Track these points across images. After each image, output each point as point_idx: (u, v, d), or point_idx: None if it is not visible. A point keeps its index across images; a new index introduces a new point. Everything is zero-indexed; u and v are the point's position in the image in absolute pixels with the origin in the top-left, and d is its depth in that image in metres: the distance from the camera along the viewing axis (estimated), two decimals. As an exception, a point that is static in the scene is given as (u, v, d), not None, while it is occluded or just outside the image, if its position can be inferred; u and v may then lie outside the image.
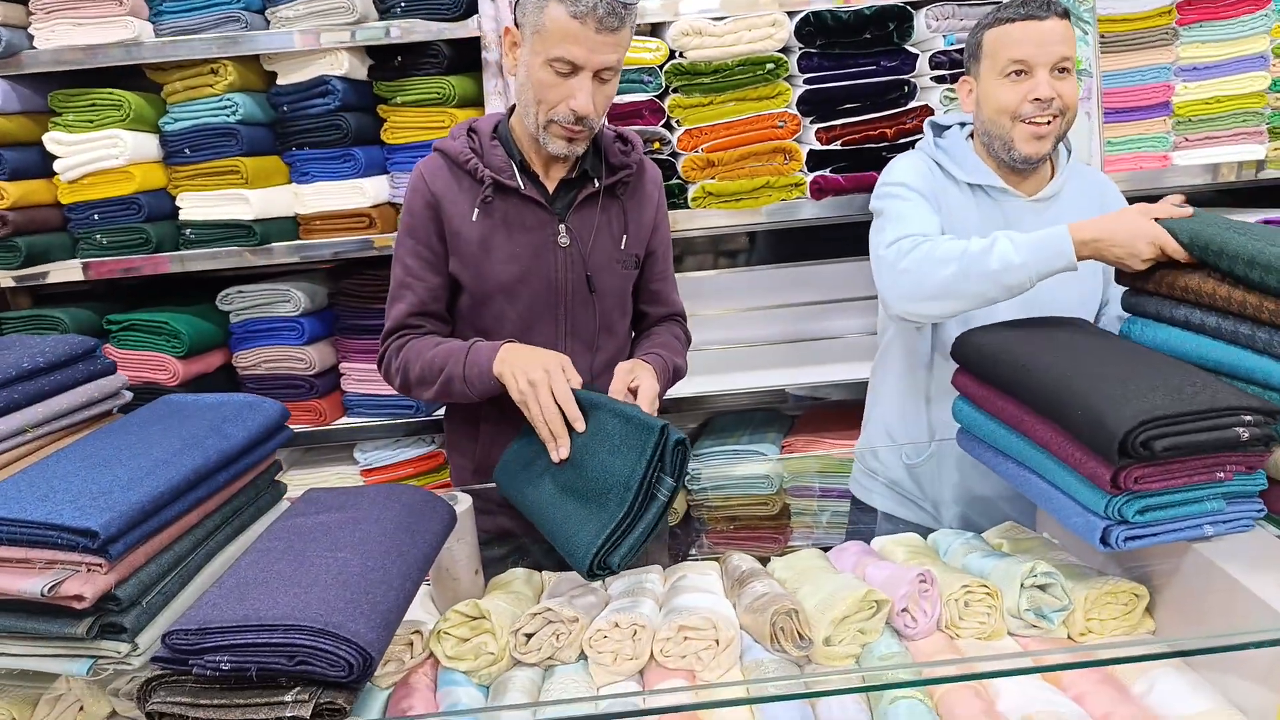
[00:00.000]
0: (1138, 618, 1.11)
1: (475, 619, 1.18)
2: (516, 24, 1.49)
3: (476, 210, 1.54)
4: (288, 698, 0.83)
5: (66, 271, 2.36)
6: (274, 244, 2.32)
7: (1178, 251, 1.27)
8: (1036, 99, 1.58)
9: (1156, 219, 1.32)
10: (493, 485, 1.48)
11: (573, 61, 1.41)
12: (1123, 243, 1.33)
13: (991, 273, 1.42)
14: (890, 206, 1.67)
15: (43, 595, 0.92)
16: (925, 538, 1.44)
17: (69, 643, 0.97)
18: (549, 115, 1.46)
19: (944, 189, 1.70)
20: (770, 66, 2.17)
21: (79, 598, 0.93)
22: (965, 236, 1.53)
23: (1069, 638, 1.12)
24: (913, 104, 2.20)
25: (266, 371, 2.47)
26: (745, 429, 2.63)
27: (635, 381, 1.43)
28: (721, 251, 2.78)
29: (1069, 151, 1.75)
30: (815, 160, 2.21)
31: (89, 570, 0.95)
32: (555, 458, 1.30)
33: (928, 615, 1.14)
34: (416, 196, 1.59)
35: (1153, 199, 1.45)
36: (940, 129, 1.81)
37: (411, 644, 1.18)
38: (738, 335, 2.58)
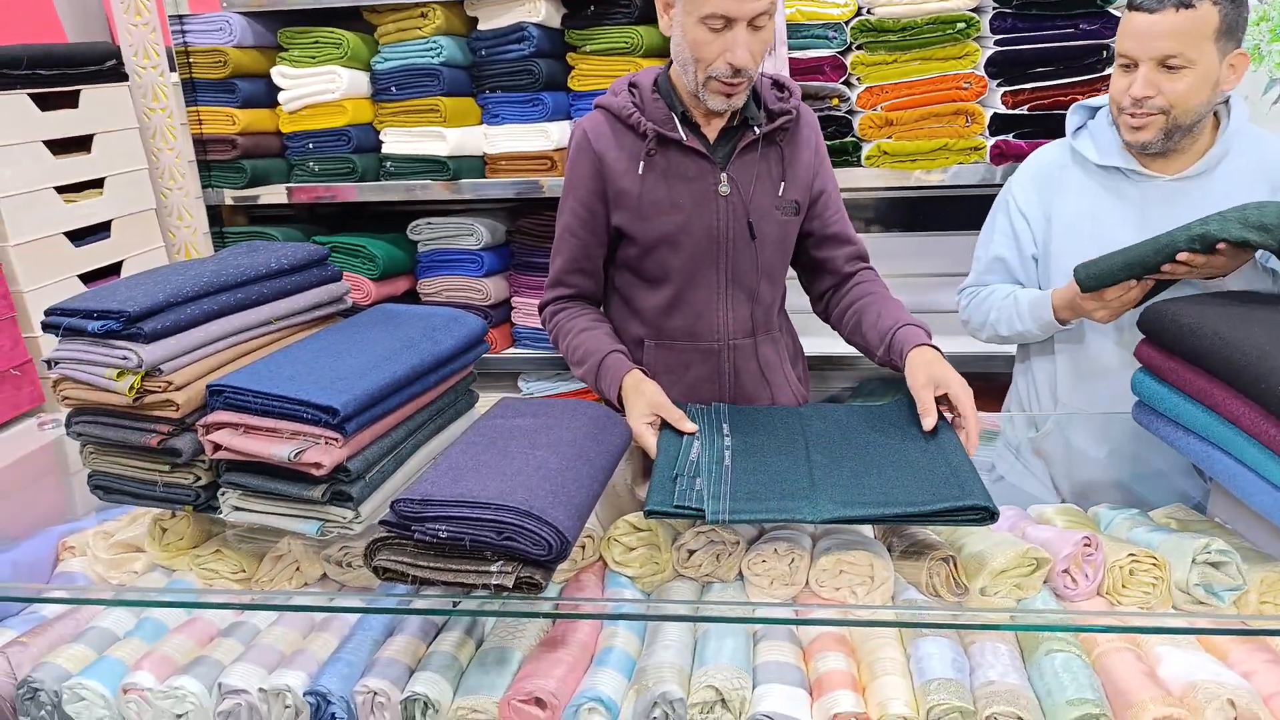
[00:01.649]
0: (1317, 606, 1.07)
1: (642, 530, 1.26)
2: None
3: (641, 164, 1.57)
4: (493, 568, 0.93)
5: (273, 194, 2.59)
6: (463, 180, 2.46)
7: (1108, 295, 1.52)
8: (1131, 96, 1.55)
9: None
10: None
11: (725, 15, 1.41)
12: (1075, 305, 1.60)
13: (1016, 333, 1.77)
14: (986, 226, 1.84)
15: (289, 460, 1.06)
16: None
17: (305, 504, 1.11)
18: (707, 72, 1.46)
19: (1065, 180, 1.72)
20: (961, 26, 2.11)
21: (318, 465, 1.06)
22: (1092, 221, 1.66)
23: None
24: (1109, 70, 2.09)
25: (447, 299, 2.63)
26: (893, 393, 2.62)
27: (943, 389, 1.33)
28: (860, 217, 2.74)
29: (1228, 118, 1.63)
30: (998, 124, 2.15)
31: (327, 443, 1.07)
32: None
33: (1089, 579, 1.13)
34: (580, 156, 1.62)
35: None
36: (1092, 111, 1.76)
37: (584, 546, 1.27)
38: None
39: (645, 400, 1.39)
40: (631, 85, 1.63)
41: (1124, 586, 1.13)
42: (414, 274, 2.68)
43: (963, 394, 1.32)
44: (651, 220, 1.60)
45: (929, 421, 1.29)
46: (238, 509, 1.14)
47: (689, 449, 1.27)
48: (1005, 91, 2.14)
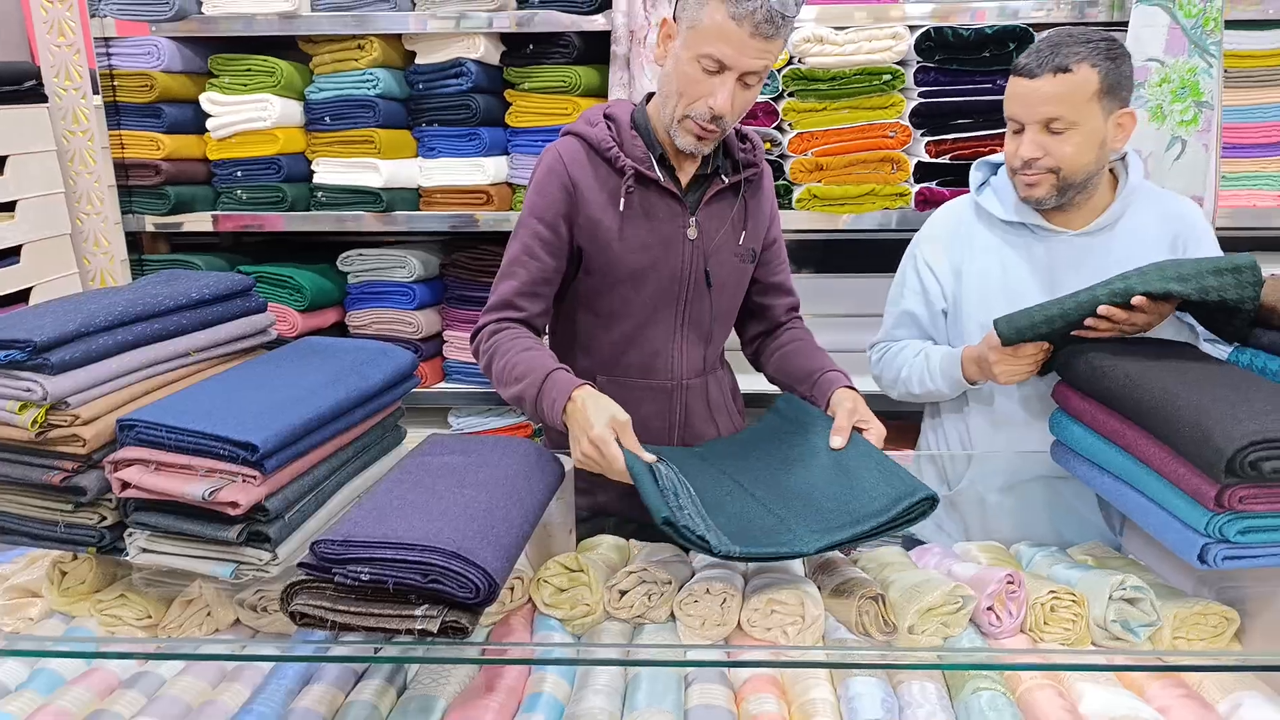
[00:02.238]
0: (1225, 642, 1.10)
1: (574, 571, 1.23)
2: (675, 17, 1.51)
3: (622, 201, 1.56)
4: (418, 612, 0.89)
5: (198, 222, 2.51)
6: (396, 212, 2.42)
7: (1025, 350, 1.50)
8: (1021, 158, 1.57)
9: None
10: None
11: (721, 60, 1.42)
12: (985, 366, 1.57)
13: (928, 391, 1.73)
14: (896, 281, 1.83)
15: (204, 499, 1.00)
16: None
17: (218, 546, 1.06)
18: (686, 110, 1.47)
19: (972, 235, 1.73)
20: (887, 78, 2.18)
21: (234, 504, 1.00)
22: (1001, 275, 1.67)
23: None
24: (1026, 126, 2.18)
25: (376, 332, 2.57)
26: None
27: (863, 423, 1.40)
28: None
29: (1126, 176, 1.66)
30: (923, 172, 2.22)
31: (244, 480, 1.02)
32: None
33: (1013, 616, 1.15)
34: (553, 179, 1.58)
35: (1260, 241, 1.47)
36: (994, 167, 1.77)
37: (512, 589, 1.23)
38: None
39: (608, 412, 1.30)
40: (608, 118, 1.60)
41: (1045, 623, 1.14)
42: (343, 306, 2.62)
43: (875, 433, 1.39)
44: (622, 257, 1.59)
45: (838, 440, 1.34)
46: (146, 550, 1.07)
47: (660, 478, 1.22)
48: (929, 141, 2.21)
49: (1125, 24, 2.04)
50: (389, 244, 2.62)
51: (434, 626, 0.88)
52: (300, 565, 0.95)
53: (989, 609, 1.15)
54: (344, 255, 2.55)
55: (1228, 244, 1.72)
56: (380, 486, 1.05)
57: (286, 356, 1.31)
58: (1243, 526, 0.99)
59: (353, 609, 0.91)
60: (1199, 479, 1.01)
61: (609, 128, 1.59)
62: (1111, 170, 1.67)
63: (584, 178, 1.57)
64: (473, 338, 1.67)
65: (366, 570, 0.90)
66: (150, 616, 1.17)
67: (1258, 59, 2.11)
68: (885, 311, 1.85)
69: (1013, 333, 1.48)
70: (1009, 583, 1.15)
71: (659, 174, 1.56)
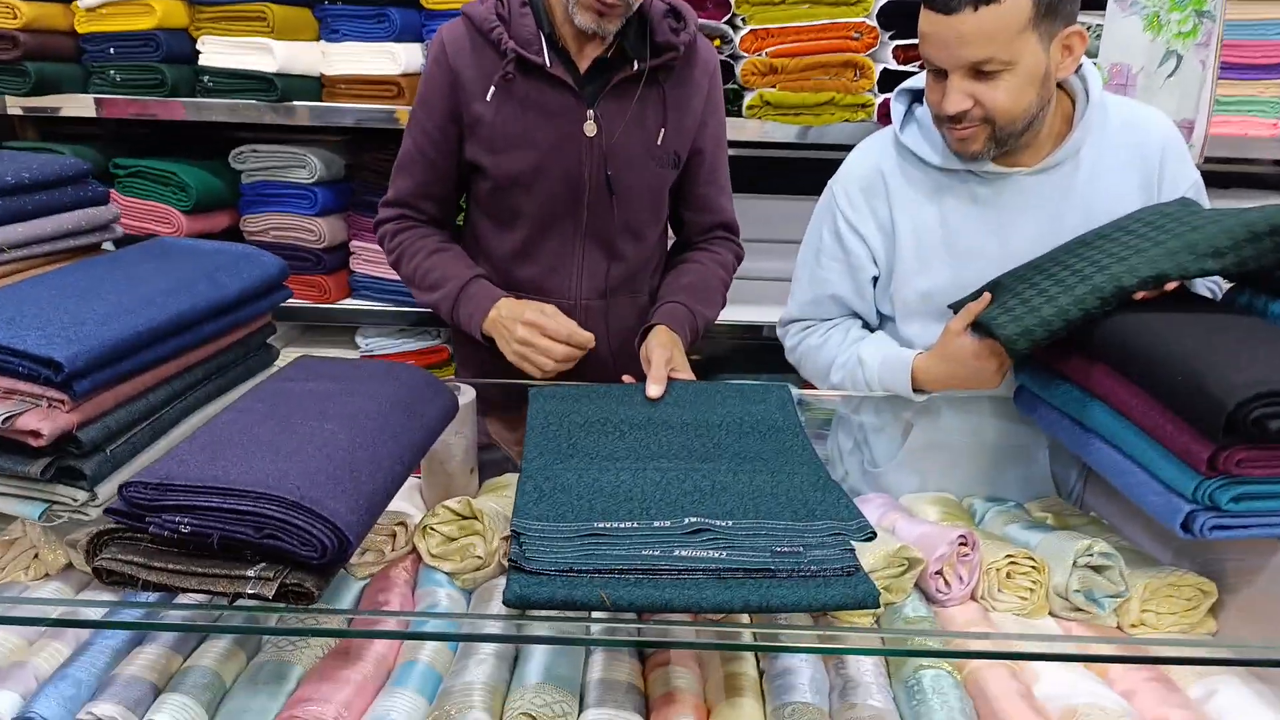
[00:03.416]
0: (1199, 616, 1.02)
1: (466, 518, 1.10)
2: None
3: (493, 89, 1.40)
4: (250, 572, 0.75)
5: (79, 106, 2.26)
6: (295, 103, 2.19)
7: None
8: (945, 112, 1.30)
9: (972, 323, 1.30)
10: (499, 384, 1.40)
11: None
12: (970, 383, 1.34)
13: (859, 389, 1.46)
14: (809, 244, 1.54)
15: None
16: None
17: (22, 482, 0.90)
18: None
19: (901, 181, 1.43)
20: (856, -29, 2.01)
21: (36, 434, 0.85)
22: (942, 230, 1.41)
23: (1118, 628, 1.03)
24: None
25: (274, 239, 2.37)
26: (762, 369, 2.53)
27: (675, 373, 1.28)
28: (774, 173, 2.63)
29: (1086, 99, 1.37)
30: (888, 80, 2.06)
31: (50, 405, 0.87)
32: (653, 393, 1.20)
33: (963, 582, 1.05)
34: (435, 68, 1.45)
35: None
36: (917, 95, 1.45)
37: (394, 535, 1.10)
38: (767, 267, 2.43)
39: (534, 307, 1.32)
40: None
41: (1000, 589, 1.05)
42: (237, 209, 2.40)
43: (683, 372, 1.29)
44: (503, 155, 1.43)
45: (654, 390, 1.21)
46: (-64, 485, 0.91)
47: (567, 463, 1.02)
48: (897, 45, 2.05)
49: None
50: (289, 140, 2.39)
51: (269, 591, 0.75)
52: (108, 512, 0.80)
53: (937, 573, 1.05)
54: (236, 151, 2.32)
55: (1212, 178, 1.61)
56: (221, 418, 0.89)
57: (128, 259, 1.13)
58: (1237, 493, 0.90)
59: (170, 566, 0.76)
60: (1190, 437, 0.91)
61: (499, 4, 1.41)
62: (1063, 86, 1.38)
63: (466, 66, 1.41)
64: (376, 227, 1.54)
65: (187, 520, 0.75)
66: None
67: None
68: (796, 278, 1.55)
69: (1023, 339, 1.16)
70: (962, 544, 1.06)
71: (546, 58, 1.39)
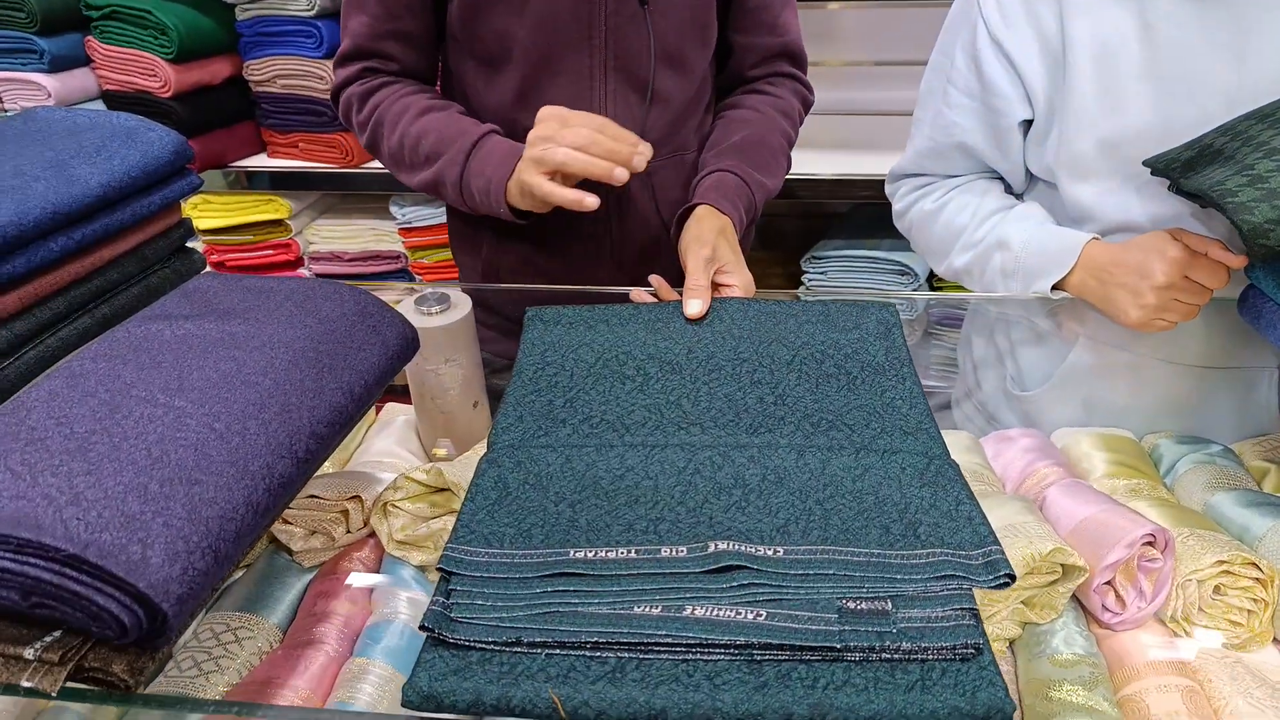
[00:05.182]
0: None
1: (439, 491, 0.86)
2: None
3: None
4: (29, 652, 0.53)
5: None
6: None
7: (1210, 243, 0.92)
8: None
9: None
10: (505, 291, 1.13)
11: None
12: (1155, 303, 0.97)
13: (993, 283, 1.11)
14: (935, 65, 1.16)
15: None
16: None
17: None
18: None
19: None
20: None
21: None
22: (1142, 45, 0.98)
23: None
24: None
25: (283, 89, 2.11)
26: (886, 230, 2.16)
27: (725, 273, 1.00)
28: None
29: None
30: None
31: None
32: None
33: (1145, 598, 0.75)
34: None
35: None
36: None
37: (347, 514, 0.88)
38: (875, 98, 2.04)
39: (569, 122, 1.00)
40: None
41: (1201, 610, 0.75)
42: (239, 53, 2.13)
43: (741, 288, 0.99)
44: None
45: (694, 307, 0.91)
46: None
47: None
48: None
49: None
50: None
51: (53, 684, 0.52)
52: None
53: (1106, 583, 0.75)
54: (225, -21, 2.04)
55: None
56: (25, 394, 0.65)
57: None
58: None
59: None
60: None
61: None
62: None
63: None
64: (334, 96, 1.23)
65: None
66: None
67: None
68: (916, 118, 1.20)
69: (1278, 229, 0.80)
70: (1147, 544, 0.75)
71: None
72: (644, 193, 1.20)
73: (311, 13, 1.97)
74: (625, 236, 1.22)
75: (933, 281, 2.08)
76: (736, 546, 0.59)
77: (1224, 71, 0.95)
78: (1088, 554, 0.75)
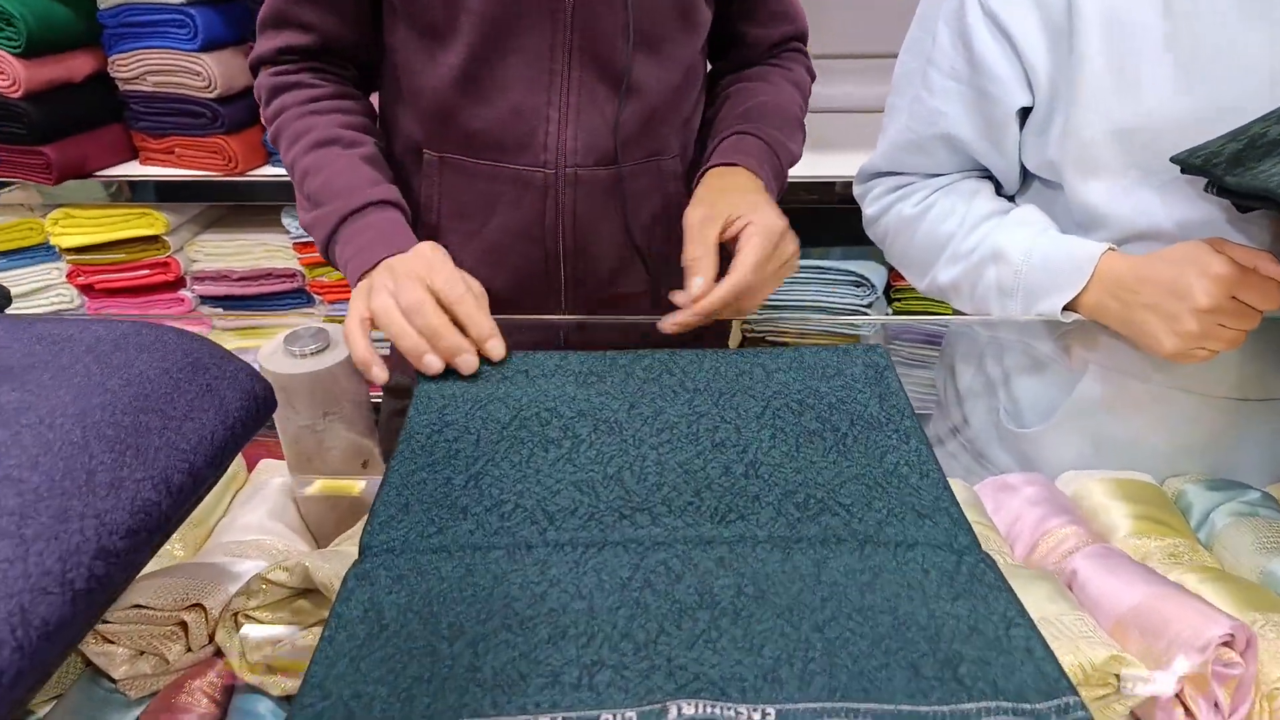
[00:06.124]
0: None
1: (306, 592, 0.68)
2: None
3: None
4: None
5: None
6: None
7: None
8: None
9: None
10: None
11: None
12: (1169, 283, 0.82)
13: (986, 303, 0.96)
14: (915, 40, 1.00)
15: None
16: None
17: None
18: None
19: None
20: None
21: None
22: (1163, 21, 0.82)
23: None
24: None
25: (154, 87, 1.89)
26: (834, 237, 2.01)
27: (737, 225, 0.86)
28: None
29: None
30: None
31: None
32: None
33: (1223, 714, 0.60)
34: None
35: None
36: None
37: (185, 627, 0.68)
38: (821, 93, 1.91)
39: (449, 273, 0.82)
40: None
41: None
42: (102, 46, 1.90)
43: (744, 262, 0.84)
44: None
45: (695, 285, 0.81)
46: None
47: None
48: None
49: None
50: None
51: None
52: None
53: (1175, 696, 0.60)
54: (80, -41, 1.81)
55: None
56: None
57: None
58: None
59: None
60: None
61: None
62: None
63: None
64: (252, 71, 1.10)
65: None
66: None
67: None
68: (890, 106, 1.04)
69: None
70: (1224, 645, 0.60)
71: None
72: (612, 206, 1.03)
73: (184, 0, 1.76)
74: (587, 258, 1.05)
75: (890, 294, 1.95)
76: (708, 709, 0.42)
77: (1261, 44, 0.81)
78: (1143, 655, 0.60)
